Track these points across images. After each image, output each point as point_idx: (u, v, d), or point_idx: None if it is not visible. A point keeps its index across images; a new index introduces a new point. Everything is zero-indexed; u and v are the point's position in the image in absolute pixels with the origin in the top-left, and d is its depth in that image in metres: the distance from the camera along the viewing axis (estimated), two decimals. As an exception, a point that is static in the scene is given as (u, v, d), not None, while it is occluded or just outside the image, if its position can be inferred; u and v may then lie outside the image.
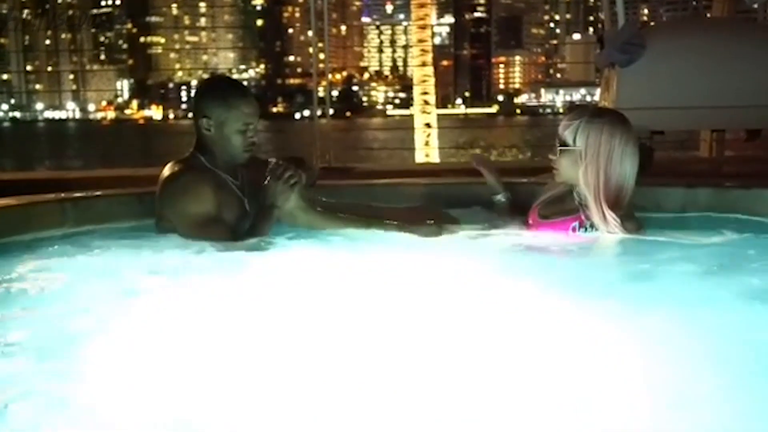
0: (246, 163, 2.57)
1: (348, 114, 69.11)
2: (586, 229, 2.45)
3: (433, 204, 2.86)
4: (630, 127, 2.46)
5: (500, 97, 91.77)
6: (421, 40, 9.97)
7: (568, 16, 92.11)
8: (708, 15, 7.11)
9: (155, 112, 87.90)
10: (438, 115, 10.00)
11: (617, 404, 1.35)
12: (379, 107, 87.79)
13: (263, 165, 2.62)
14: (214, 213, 2.45)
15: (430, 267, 2.26)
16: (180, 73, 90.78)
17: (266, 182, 2.51)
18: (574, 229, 2.46)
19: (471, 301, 1.91)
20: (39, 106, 64.85)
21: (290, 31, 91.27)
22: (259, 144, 2.63)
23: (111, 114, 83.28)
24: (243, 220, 2.53)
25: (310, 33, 6.37)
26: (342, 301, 1.92)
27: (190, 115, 2.60)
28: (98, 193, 2.94)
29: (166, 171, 2.54)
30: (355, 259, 2.35)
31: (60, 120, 66.03)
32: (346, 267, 2.25)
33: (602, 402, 1.36)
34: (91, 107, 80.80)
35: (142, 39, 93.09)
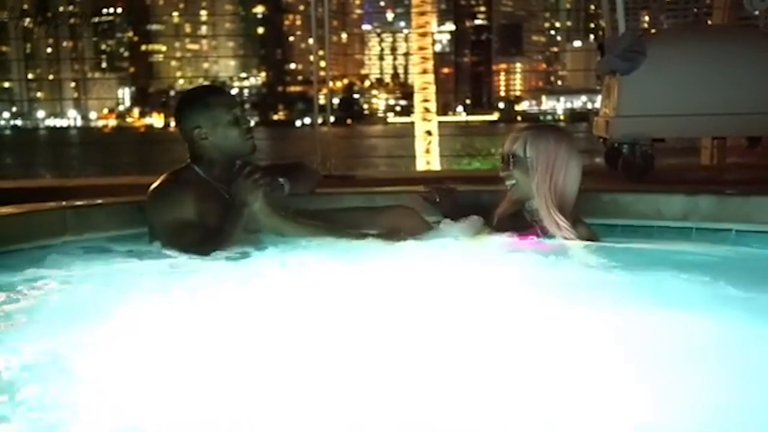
0: (251, 154, 2.57)
1: (349, 122, 69.20)
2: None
3: (408, 205, 2.86)
4: (572, 139, 2.62)
5: (501, 105, 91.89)
6: (421, 48, 9.96)
7: (568, 23, 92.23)
8: (709, 22, 7.12)
9: (156, 120, 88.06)
10: (439, 122, 9.99)
11: (609, 405, 1.37)
12: (380, 115, 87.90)
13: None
14: (189, 221, 2.43)
15: (404, 275, 2.26)
16: (181, 81, 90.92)
17: (235, 181, 2.46)
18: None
19: (449, 307, 1.93)
20: (40, 114, 64.87)
21: (291, 38, 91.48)
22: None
23: (112, 122, 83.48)
24: None
25: (311, 41, 6.37)
26: (330, 310, 1.92)
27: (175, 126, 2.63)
28: (99, 201, 2.94)
29: (156, 181, 2.54)
30: (331, 268, 2.31)
31: (61, 128, 66.03)
32: (323, 276, 2.24)
33: (597, 402, 1.36)
34: (93, 115, 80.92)
35: (143, 47, 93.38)
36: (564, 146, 2.52)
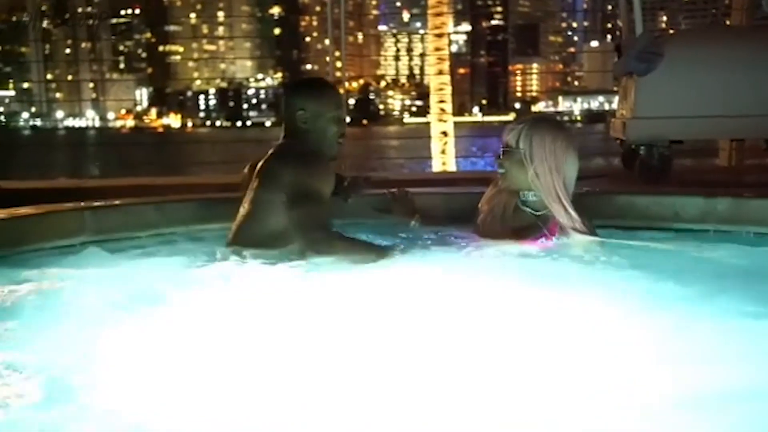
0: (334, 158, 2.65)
1: (365, 122, 69.25)
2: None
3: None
4: (569, 133, 2.58)
5: (517, 105, 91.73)
6: (437, 48, 9.93)
7: (585, 23, 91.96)
8: (727, 23, 7.08)
9: (174, 120, 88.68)
10: (454, 123, 9.98)
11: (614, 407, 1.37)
12: (396, 115, 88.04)
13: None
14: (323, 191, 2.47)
15: (420, 279, 2.23)
16: (198, 82, 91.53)
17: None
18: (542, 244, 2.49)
19: (462, 312, 1.91)
20: (59, 114, 65.47)
21: (307, 39, 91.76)
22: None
23: (130, 122, 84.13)
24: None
25: (327, 41, 6.39)
26: (344, 318, 1.91)
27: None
28: (117, 202, 2.96)
29: (280, 148, 2.56)
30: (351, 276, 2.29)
31: (80, 128, 66.61)
32: (340, 282, 2.21)
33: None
34: (111, 115, 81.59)
35: (160, 48, 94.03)
36: (560, 139, 2.48)
